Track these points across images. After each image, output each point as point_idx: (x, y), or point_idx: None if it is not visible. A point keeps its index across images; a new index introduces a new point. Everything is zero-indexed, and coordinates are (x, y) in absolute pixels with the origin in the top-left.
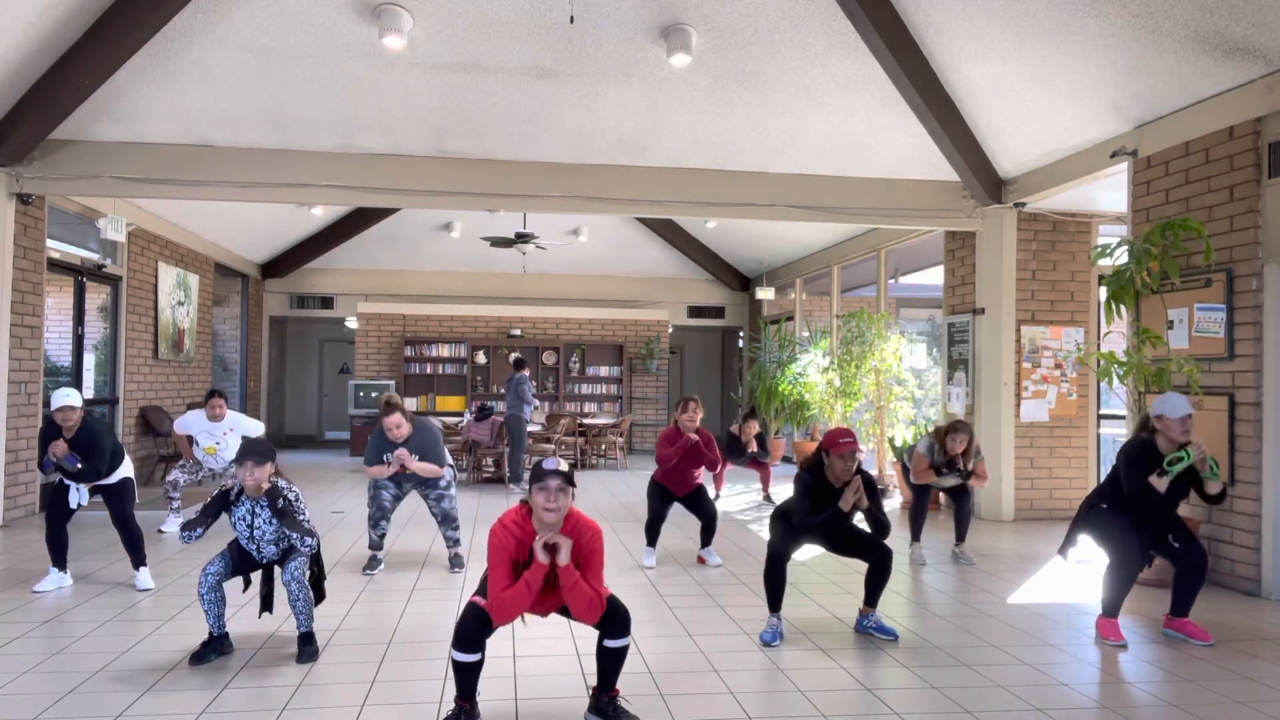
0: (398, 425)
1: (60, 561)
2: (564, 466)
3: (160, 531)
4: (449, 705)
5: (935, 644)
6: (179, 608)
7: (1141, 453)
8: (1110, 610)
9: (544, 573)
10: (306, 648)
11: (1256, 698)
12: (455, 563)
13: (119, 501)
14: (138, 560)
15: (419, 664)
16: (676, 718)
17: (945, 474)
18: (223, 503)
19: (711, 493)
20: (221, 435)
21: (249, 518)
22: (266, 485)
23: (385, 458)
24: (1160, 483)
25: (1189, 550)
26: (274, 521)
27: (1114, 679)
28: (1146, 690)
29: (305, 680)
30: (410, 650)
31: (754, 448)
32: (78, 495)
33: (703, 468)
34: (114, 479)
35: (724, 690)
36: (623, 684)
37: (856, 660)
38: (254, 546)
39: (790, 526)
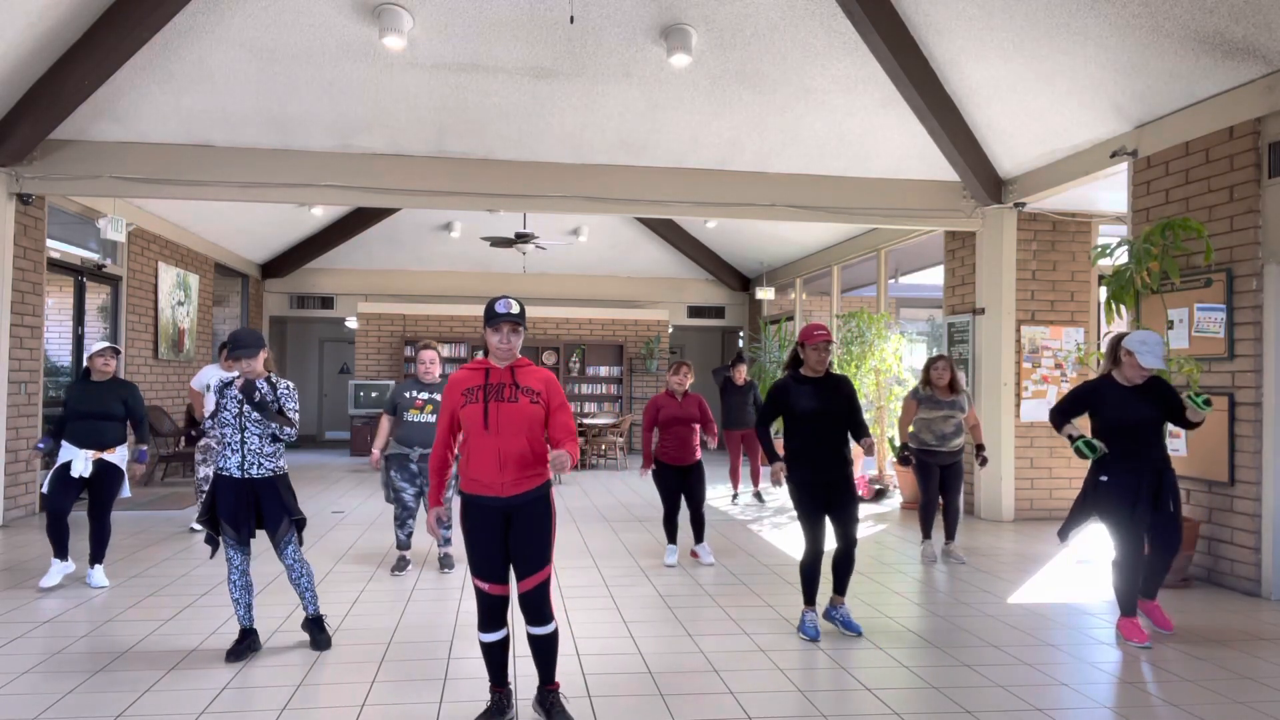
0: (432, 361)
1: (62, 550)
2: (515, 309)
3: (192, 530)
4: (449, 705)
5: (935, 644)
6: (179, 608)
7: (1096, 389)
8: (1127, 608)
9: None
10: (320, 635)
11: (1256, 698)
12: (445, 563)
13: (110, 488)
14: (98, 556)
15: (419, 664)
16: (676, 718)
17: (938, 408)
18: (219, 393)
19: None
20: None
21: (240, 396)
22: (261, 373)
23: (405, 415)
24: (1197, 415)
25: (1169, 528)
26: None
27: (1114, 679)
28: (1146, 690)
29: (305, 680)
30: (410, 650)
31: (743, 380)
32: (83, 466)
33: (698, 443)
34: (117, 457)
35: (724, 690)
36: (623, 684)
37: (856, 660)
38: (239, 436)
39: (812, 515)
